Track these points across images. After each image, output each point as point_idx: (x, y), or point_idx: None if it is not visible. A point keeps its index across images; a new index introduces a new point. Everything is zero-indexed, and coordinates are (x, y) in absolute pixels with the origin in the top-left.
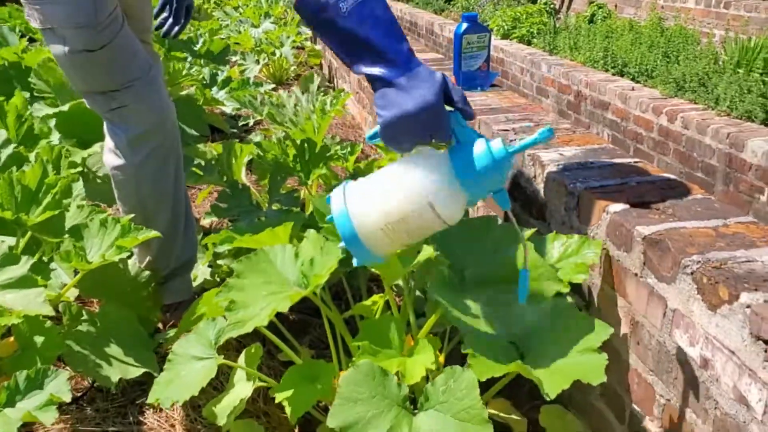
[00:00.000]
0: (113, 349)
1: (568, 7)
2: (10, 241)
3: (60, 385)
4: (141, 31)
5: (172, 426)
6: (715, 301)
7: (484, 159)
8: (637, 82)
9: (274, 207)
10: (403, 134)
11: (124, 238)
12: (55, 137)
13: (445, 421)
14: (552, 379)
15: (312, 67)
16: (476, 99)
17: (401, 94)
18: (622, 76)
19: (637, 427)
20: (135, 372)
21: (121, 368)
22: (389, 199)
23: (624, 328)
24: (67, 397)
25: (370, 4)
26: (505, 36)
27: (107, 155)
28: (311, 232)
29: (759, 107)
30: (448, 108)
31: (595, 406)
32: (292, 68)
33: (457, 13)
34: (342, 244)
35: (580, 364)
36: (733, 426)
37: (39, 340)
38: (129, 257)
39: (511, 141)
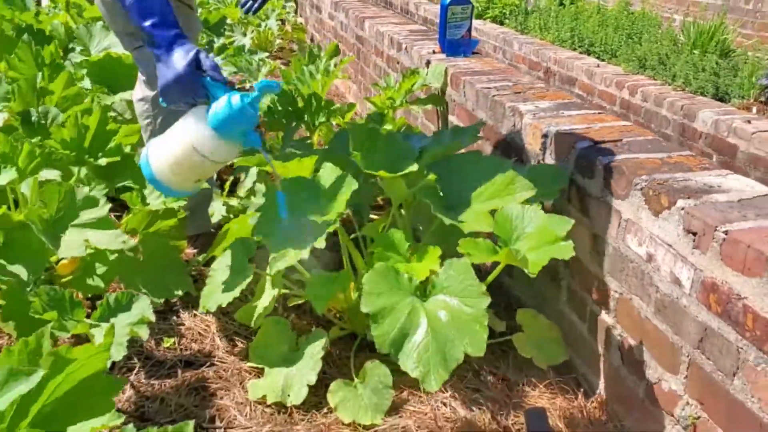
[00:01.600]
0: (155, 274)
1: None
2: (51, 175)
3: (144, 307)
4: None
5: (207, 326)
6: (658, 208)
7: (225, 109)
8: (602, 60)
9: (288, 151)
10: (172, 96)
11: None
12: (86, 83)
13: (450, 300)
14: (534, 260)
15: (295, 41)
16: (460, 63)
17: (164, 67)
18: (588, 54)
19: (596, 320)
20: (176, 293)
21: (163, 289)
22: (170, 147)
23: (587, 243)
24: (152, 318)
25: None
26: (479, 16)
27: (136, 89)
28: (328, 164)
29: (710, 84)
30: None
31: (563, 312)
32: (277, 41)
33: None
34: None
35: (553, 248)
36: (669, 302)
37: (98, 265)
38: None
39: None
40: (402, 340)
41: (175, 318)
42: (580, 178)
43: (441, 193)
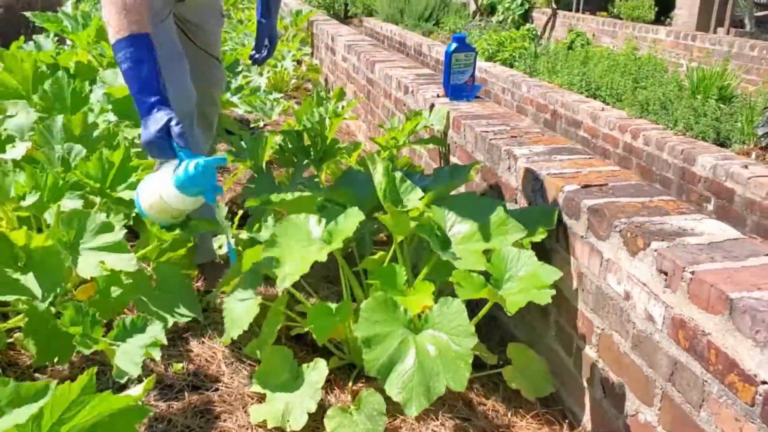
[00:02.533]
0: (168, 299)
1: (550, 34)
2: (73, 204)
3: (158, 330)
4: (206, 45)
5: (214, 353)
6: (635, 249)
7: (185, 173)
8: (608, 103)
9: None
10: (150, 152)
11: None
12: (111, 116)
13: (440, 336)
14: (512, 301)
15: (310, 81)
16: (462, 107)
17: (143, 129)
18: (594, 98)
19: (581, 355)
20: (185, 318)
21: (174, 314)
22: (145, 192)
23: (574, 281)
24: (164, 341)
25: (138, 67)
26: (489, 58)
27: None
28: (331, 205)
29: (712, 129)
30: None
31: (551, 346)
32: (293, 81)
33: (444, 35)
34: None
35: (534, 293)
36: (644, 338)
37: (114, 289)
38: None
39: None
40: (390, 367)
41: (184, 344)
42: (567, 219)
43: (438, 232)
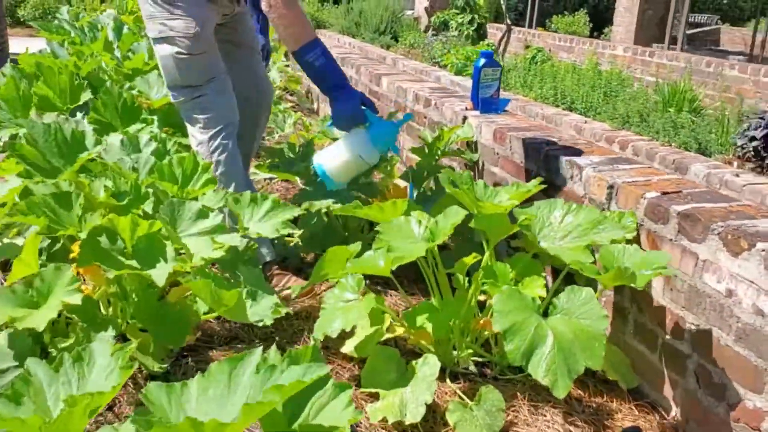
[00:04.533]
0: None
1: (505, 49)
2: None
3: (273, 299)
4: (240, 47)
5: None
6: (737, 250)
7: (381, 128)
8: (587, 116)
9: (353, 193)
10: (343, 123)
11: (275, 211)
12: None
13: (572, 319)
14: (641, 276)
15: (293, 92)
16: (498, 120)
17: (341, 101)
18: (570, 110)
19: (667, 349)
20: (270, 320)
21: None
22: (341, 156)
23: (660, 281)
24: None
25: (331, 58)
26: (458, 73)
27: (191, 139)
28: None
29: (693, 140)
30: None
31: (629, 343)
32: (276, 92)
33: (404, 49)
34: (318, 180)
35: (655, 271)
36: (752, 330)
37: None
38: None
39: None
40: (531, 352)
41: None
42: (651, 224)
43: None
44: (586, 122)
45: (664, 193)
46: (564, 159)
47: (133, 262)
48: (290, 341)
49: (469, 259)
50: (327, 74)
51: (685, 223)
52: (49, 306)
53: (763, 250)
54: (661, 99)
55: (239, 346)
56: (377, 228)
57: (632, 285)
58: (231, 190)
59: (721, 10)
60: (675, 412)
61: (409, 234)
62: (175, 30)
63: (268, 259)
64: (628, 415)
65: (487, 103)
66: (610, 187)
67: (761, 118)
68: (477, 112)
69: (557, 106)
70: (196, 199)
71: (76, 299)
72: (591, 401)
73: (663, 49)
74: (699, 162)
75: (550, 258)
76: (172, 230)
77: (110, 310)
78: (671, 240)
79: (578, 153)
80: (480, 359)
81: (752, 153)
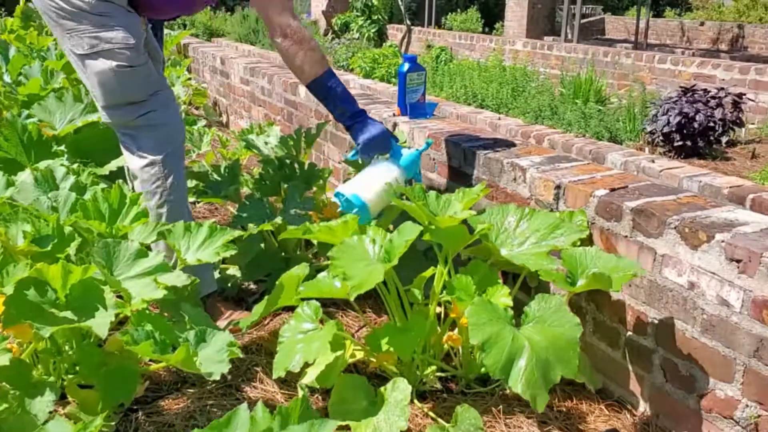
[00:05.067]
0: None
1: (407, 49)
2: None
3: (226, 336)
4: (158, 63)
5: (273, 395)
6: (696, 242)
7: (410, 156)
8: (500, 113)
9: (292, 211)
10: (371, 148)
11: (213, 238)
12: (64, 159)
13: (543, 327)
14: (616, 279)
15: (198, 107)
16: (430, 125)
17: (370, 128)
18: (482, 108)
19: (633, 346)
20: (225, 368)
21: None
22: (374, 185)
23: None
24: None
25: (344, 86)
26: (367, 76)
27: (132, 160)
28: (373, 225)
29: (604, 129)
30: None
31: (588, 342)
32: (183, 106)
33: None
34: (354, 211)
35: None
36: (718, 320)
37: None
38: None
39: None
40: (510, 365)
41: (237, 393)
42: (603, 222)
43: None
44: (500, 119)
45: (612, 190)
46: (505, 161)
47: (68, 314)
48: (245, 379)
49: (427, 273)
50: (348, 99)
51: (639, 219)
52: None
53: (722, 241)
54: (568, 91)
55: (190, 391)
56: (330, 253)
57: (609, 289)
58: (178, 219)
59: (602, 0)
60: (644, 407)
61: (363, 255)
62: (113, 41)
63: (210, 290)
64: (599, 416)
65: (415, 108)
66: (557, 187)
67: (674, 104)
68: (406, 118)
69: (469, 104)
70: (125, 236)
71: (4, 360)
72: (561, 406)
73: (560, 41)
74: (614, 151)
75: (506, 264)
76: (109, 274)
77: (39, 368)
78: (626, 237)
79: (517, 155)
80: (443, 374)
81: (661, 138)
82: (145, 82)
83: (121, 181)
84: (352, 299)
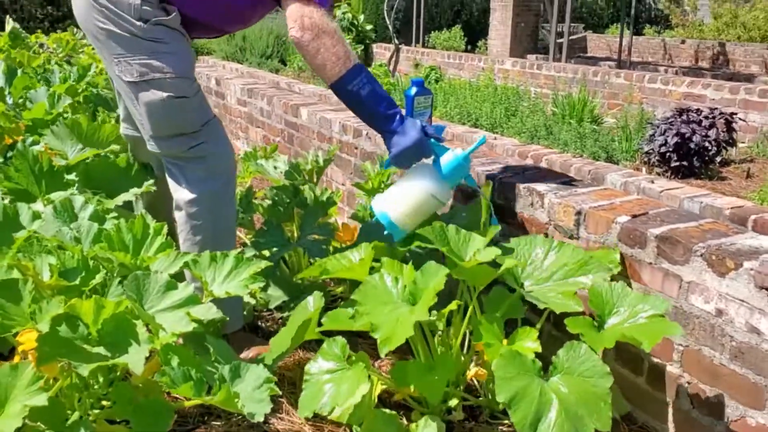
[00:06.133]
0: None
1: (395, 68)
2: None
3: (260, 370)
4: None
5: (300, 428)
6: (724, 270)
7: (454, 161)
8: (495, 132)
9: (311, 238)
10: (405, 159)
11: (239, 268)
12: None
13: (575, 380)
14: (648, 340)
15: None
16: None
17: (402, 137)
18: (476, 127)
19: (656, 372)
20: (267, 408)
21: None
22: (409, 198)
23: None
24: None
25: (377, 85)
26: None
27: (179, 192)
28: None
29: (601, 149)
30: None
31: (612, 367)
32: None
33: (294, 73)
34: (386, 231)
35: (662, 327)
36: (748, 347)
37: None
38: None
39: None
40: (538, 421)
41: (264, 426)
42: (626, 249)
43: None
44: (495, 138)
45: (634, 216)
46: (522, 186)
47: (101, 350)
48: (271, 413)
49: (452, 306)
50: (379, 103)
51: (664, 246)
52: (8, 414)
53: (751, 269)
54: (560, 111)
55: (217, 424)
56: (354, 296)
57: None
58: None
59: (583, 18)
60: None
61: (387, 297)
62: (164, 70)
63: (237, 327)
64: None
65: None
66: (578, 213)
67: (670, 125)
68: None
69: (464, 123)
70: (148, 267)
71: (42, 400)
72: None
73: (548, 61)
74: (612, 171)
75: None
76: (140, 308)
77: (66, 405)
78: (651, 264)
79: (532, 179)
80: (467, 402)
81: (658, 158)
82: (197, 112)
83: (144, 210)
84: (383, 356)
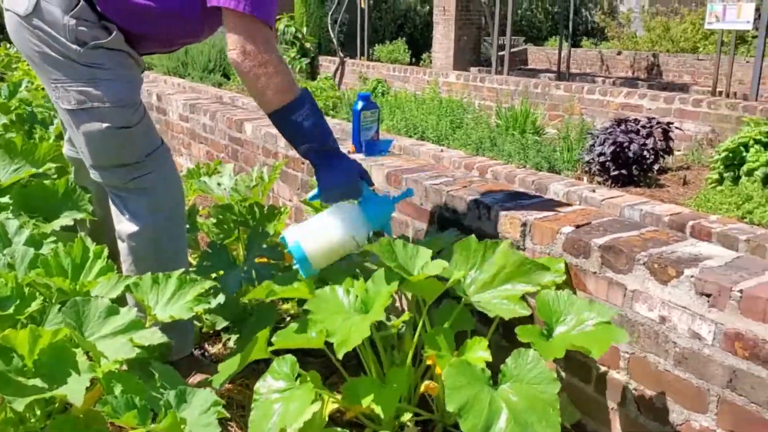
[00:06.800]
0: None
1: (341, 81)
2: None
3: (207, 394)
4: None
5: None
6: (666, 278)
7: (381, 207)
8: (441, 145)
9: (257, 260)
10: (335, 196)
11: (183, 290)
12: (9, 212)
13: (523, 387)
14: (597, 348)
15: None
16: (387, 162)
17: (338, 173)
18: (423, 140)
19: (604, 380)
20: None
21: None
22: (327, 235)
23: None
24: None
25: (321, 117)
26: None
27: (121, 224)
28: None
29: (543, 160)
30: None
31: (561, 377)
32: None
33: (237, 87)
34: (295, 265)
35: (609, 334)
36: (690, 353)
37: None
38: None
39: (387, 194)
40: (488, 429)
41: None
42: (571, 259)
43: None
44: (442, 151)
45: (578, 226)
46: (469, 199)
47: (37, 381)
48: None
49: (403, 318)
50: (320, 136)
51: (608, 255)
52: None
53: (692, 276)
54: (504, 123)
55: None
56: (306, 306)
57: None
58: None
59: (523, 31)
60: None
61: (339, 308)
62: (104, 99)
63: (186, 352)
64: None
65: (370, 146)
66: (523, 224)
67: (609, 134)
68: (362, 155)
69: (410, 136)
70: (88, 293)
71: None
72: None
73: (491, 73)
74: (555, 181)
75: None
76: (80, 335)
77: None
78: (595, 273)
79: (478, 192)
80: (419, 417)
81: (598, 168)
82: (140, 142)
83: (83, 234)
84: (340, 357)
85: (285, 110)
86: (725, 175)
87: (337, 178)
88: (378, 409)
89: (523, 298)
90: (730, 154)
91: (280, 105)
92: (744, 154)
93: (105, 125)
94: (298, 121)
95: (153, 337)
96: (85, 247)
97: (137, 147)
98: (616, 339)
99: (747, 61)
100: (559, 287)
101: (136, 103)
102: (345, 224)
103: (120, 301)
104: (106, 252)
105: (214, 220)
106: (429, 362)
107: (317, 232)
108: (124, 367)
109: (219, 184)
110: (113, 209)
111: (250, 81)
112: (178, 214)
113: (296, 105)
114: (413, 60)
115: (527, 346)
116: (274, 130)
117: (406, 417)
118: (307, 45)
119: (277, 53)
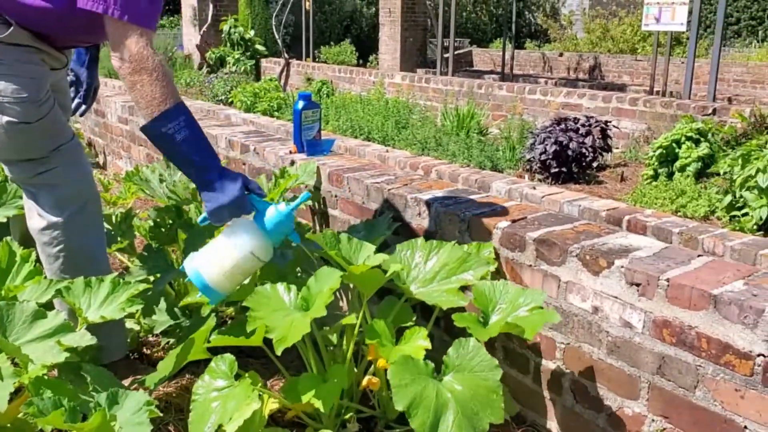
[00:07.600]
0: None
1: (286, 82)
2: None
3: (139, 396)
4: (64, 110)
5: None
6: (597, 269)
7: (277, 217)
8: (387, 145)
9: None
10: (222, 216)
11: (115, 293)
12: None
13: (467, 376)
14: (530, 327)
15: None
16: (327, 161)
17: (218, 193)
18: (368, 140)
19: (542, 370)
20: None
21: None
22: (226, 257)
23: None
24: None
25: (198, 131)
26: (248, 110)
27: (32, 220)
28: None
29: (486, 159)
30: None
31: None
32: None
33: (181, 89)
34: (199, 294)
35: (541, 315)
36: (622, 341)
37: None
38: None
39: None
40: (437, 424)
41: None
42: (508, 253)
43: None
44: (387, 151)
45: (514, 221)
46: (409, 197)
47: None
48: None
49: (347, 321)
50: (194, 151)
51: (542, 248)
52: None
53: (622, 267)
54: (449, 123)
55: None
56: (246, 303)
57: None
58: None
59: (468, 33)
60: (556, 430)
61: (280, 305)
62: (2, 94)
63: (120, 356)
64: None
65: (312, 145)
66: (462, 221)
67: (549, 133)
68: (304, 155)
69: (356, 137)
70: (15, 297)
71: None
72: None
73: (436, 75)
74: (498, 179)
75: (420, 299)
76: (4, 340)
77: None
78: (531, 266)
79: (419, 189)
80: (362, 414)
81: (539, 166)
82: (43, 138)
83: (9, 237)
84: (279, 353)
85: (156, 121)
86: (660, 171)
87: (220, 198)
88: (318, 404)
89: (462, 290)
90: (664, 151)
91: (151, 116)
92: (677, 150)
93: (5, 119)
94: (169, 134)
95: (82, 339)
96: (11, 251)
97: (40, 142)
98: (549, 319)
99: (682, 62)
100: (494, 278)
101: (39, 99)
102: (243, 242)
103: (50, 306)
104: (34, 256)
105: (152, 223)
106: (370, 357)
107: (214, 256)
108: (56, 373)
109: (161, 180)
110: (25, 204)
111: (129, 88)
112: (91, 210)
113: (169, 116)
114: (361, 62)
115: (464, 335)
116: (215, 131)
117: (348, 414)
118: (257, 46)
119: (156, 59)
